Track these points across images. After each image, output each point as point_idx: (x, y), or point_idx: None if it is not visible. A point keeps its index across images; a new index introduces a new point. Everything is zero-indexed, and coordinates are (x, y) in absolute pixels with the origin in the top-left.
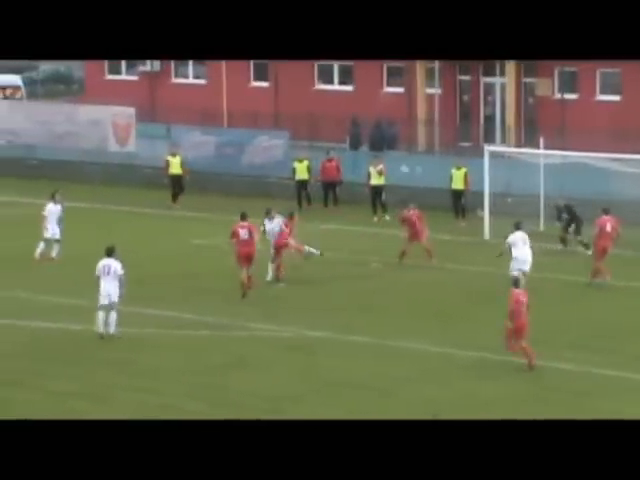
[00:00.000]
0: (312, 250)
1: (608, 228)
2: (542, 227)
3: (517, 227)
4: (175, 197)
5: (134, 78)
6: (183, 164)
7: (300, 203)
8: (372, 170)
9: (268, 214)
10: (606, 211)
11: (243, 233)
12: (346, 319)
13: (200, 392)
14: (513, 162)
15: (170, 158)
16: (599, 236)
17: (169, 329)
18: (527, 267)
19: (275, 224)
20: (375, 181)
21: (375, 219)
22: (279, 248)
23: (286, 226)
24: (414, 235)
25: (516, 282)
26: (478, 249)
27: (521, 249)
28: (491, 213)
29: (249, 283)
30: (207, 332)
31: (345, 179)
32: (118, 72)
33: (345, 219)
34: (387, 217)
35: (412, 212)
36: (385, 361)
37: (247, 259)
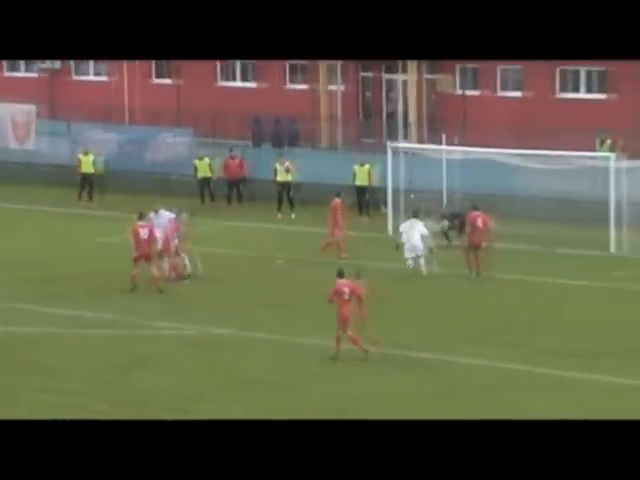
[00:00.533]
0: (186, 263)
1: (479, 223)
2: (446, 223)
3: (412, 215)
4: (81, 195)
5: (34, 75)
6: (95, 163)
7: (203, 201)
8: (279, 167)
9: (155, 210)
10: (476, 207)
11: (143, 233)
12: (251, 316)
13: (103, 391)
14: (416, 158)
15: (82, 157)
16: (471, 232)
17: (72, 328)
18: (419, 252)
19: (163, 218)
20: (282, 178)
21: (279, 216)
22: (167, 246)
23: (174, 222)
24: (335, 226)
25: (340, 273)
26: (382, 245)
27: (412, 235)
28: (394, 209)
29: (158, 279)
30: (111, 331)
31: (248, 176)
32: (17, 69)
33: (249, 216)
34: (293, 215)
35: (338, 202)
36: (291, 358)
37: (147, 258)
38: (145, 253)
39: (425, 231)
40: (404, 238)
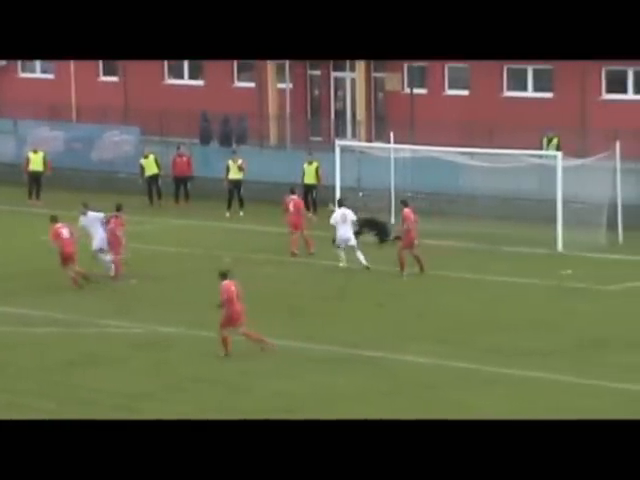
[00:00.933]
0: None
1: (414, 219)
2: (393, 220)
3: (339, 204)
4: (31, 194)
5: None
6: (45, 161)
7: (151, 200)
8: (232, 165)
9: (82, 213)
10: (406, 203)
11: (65, 232)
12: (198, 315)
13: (50, 390)
14: (364, 156)
15: (31, 154)
16: (411, 229)
17: (18, 326)
18: (351, 243)
19: (91, 219)
20: (235, 176)
21: (227, 214)
22: (116, 243)
23: (116, 218)
24: (297, 223)
25: (224, 275)
26: (330, 243)
27: (341, 226)
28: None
29: (83, 276)
30: (57, 329)
31: (196, 174)
32: None
33: (197, 214)
34: (242, 213)
35: (297, 198)
36: (238, 356)
37: (71, 258)
38: (70, 252)
39: (354, 218)
40: (340, 233)
